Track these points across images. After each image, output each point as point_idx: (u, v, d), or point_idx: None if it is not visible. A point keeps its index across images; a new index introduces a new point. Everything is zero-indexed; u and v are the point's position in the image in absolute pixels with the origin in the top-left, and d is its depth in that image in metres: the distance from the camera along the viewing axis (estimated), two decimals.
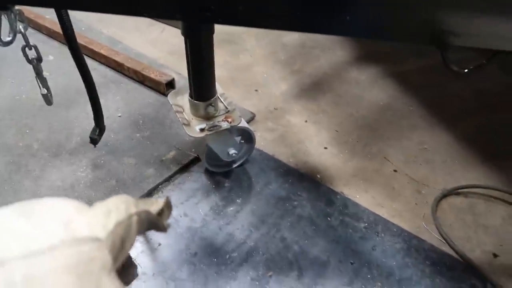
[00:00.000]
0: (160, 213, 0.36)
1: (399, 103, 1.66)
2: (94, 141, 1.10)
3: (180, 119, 1.12)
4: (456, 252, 1.11)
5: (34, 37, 1.91)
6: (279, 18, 0.64)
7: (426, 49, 1.98)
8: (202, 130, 1.10)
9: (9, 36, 0.93)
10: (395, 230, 1.18)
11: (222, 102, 1.18)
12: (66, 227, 0.28)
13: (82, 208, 0.32)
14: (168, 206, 0.37)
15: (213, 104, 1.10)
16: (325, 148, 1.44)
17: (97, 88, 1.65)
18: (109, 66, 1.73)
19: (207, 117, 1.13)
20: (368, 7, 0.65)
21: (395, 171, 1.37)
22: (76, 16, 2.07)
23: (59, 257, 0.26)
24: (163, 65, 1.78)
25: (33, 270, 0.24)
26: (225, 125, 1.11)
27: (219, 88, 1.20)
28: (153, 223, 0.36)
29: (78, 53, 0.97)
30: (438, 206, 1.24)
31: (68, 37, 0.92)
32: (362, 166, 1.38)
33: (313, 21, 0.64)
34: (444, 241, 1.14)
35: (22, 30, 0.96)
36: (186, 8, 0.66)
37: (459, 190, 1.28)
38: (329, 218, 1.20)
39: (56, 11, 0.89)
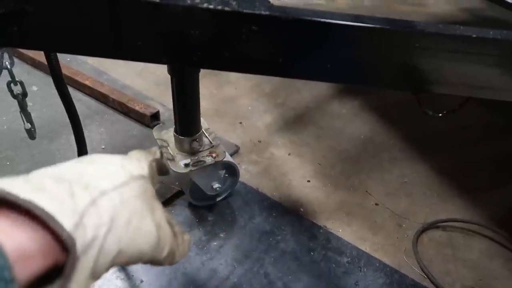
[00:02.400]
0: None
1: (380, 136, 1.70)
2: None
3: (164, 154, 1.12)
4: (437, 287, 1.12)
5: (18, 67, 1.91)
6: (262, 65, 0.66)
7: None
8: (186, 165, 1.11)
9: None
10: (377, 264, 1.19)
11: (207, 137, 1.19)
12: (123, 169, 0.40)
13: (122, 157, 0.43)
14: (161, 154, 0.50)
15: (197, 140, 1.12)
16: (308, 181, 1.46)
17: (81, 119, 1.65)
18: (94, 98, 1.73)
19: (192, 152, 1.14)
20: (347, 56, 0.68)
21: (376, 204, 1.39)
22: None
23: (132, 189, 0.38)
24: (148, 97, 1.79)
25: (123, 197, 0.37)
26: (209, 160, 1.12)
27: (204, 123, 1.22)
28: (162, 165, 0.48)
29: (64, 91, 0.98)
30: (419, 240, 1.26)
31: (55, 76, 0.93)
32: (344, 200, 1.40)
33: (295, 68, 0.67)
34: (425, 275, 1.16)
35: (9, 66, 0.97)
36: (173, 53, 0.69)
37: (438, 224, 1.31)
38: (312, 253, 1.20)
39: (44, 53, 0.90)
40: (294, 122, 1.75)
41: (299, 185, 1.44)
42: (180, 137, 1.11)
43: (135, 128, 1.61)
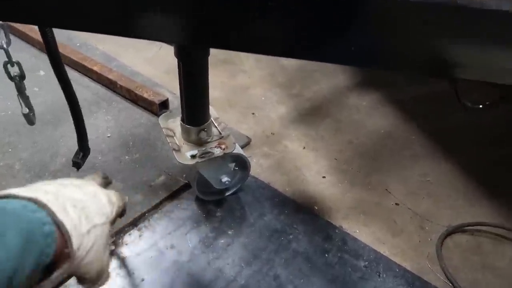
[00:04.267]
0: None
1: (400, 132, 1.60)
2: (77, 165, 1.02)
3: (170, 144, 1.05)
4: None
5: (25, 51, 1.86)
6: (278, 44, 0.58)
7: (426, 77, 1.94)
8: (193, 156, 1.03)
9: None
10: (397, 270, 1.09)
11: (216, 127, 1.11)
12: (105, 211, 0.56)
13: (107, 198, 0.59)
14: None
15: (206, 129, 1.04)
16: (324, 177, 1.37)
17: (88, 106, 1.59)
18: (101, 84, 1.67)
19: (199, 143, 1.06)
20: (373, 37, 0.59)
21: (396, 204, 1.29)
22: (72, 31, 2.02)
23: (104, 229, 0.54)
24: (158, 84, 1.72)
25: (100, 233, 0.52)
26: (217, 152, 1.04)
27: (213, 112, 1.13)
28: (123, 210, 0.66)
29: (62, 72, 0.91)
30: (443, 244, 1.16)
31: (52, 56, 0.86)
32: (362, 198, 1.30)
33: (316, 49, 0.58)
34: (450, 283, 1.06)
35: (5, 46, 0.90)
36: (179, 31, 0.60)
37: (465, 228, 1.21)
38: (326, 255, 1.12)
39: (39, 29, 0.83)
40: (310, 114, 1.66)
41: (313, 181, 1.35)
42: (187, 126, 1.03)
43: (143, 116, 1.54)
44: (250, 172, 1.26)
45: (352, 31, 0.57)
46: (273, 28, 0.58)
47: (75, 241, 0.46)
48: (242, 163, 1.20)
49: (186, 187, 1.26)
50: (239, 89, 1.78)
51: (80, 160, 1.01)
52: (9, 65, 0.93)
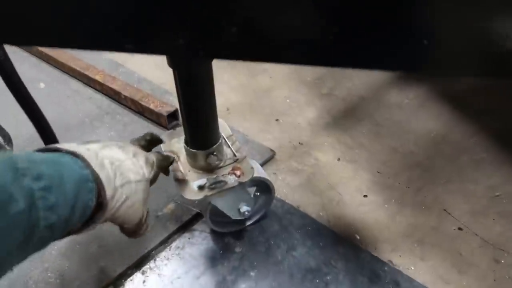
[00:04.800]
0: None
1: (456, 134, 1.32)
2: None
3: (172, 173, 0.84)
4: None
5: (26, 61, 1.72)
6: (300, 50, 0.35)
7: None
8: (201, 188, 0.82)
9: None
10: None
11: (230, 147, 0.89)
12: (143, 170, 0.62)
13: (146, 158, 0.65)
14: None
15: (215, 153, 0.82)
16: (365, 196, 1.13)
17: (90, 121, 1.41)
18: (105, 94, 1.49)
19: (209, 169, 0.85)
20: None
21: (460, 229, 1.04)
22: None
23: (141, 185, 0.60)
24: (168, 92, 1.52)
25: (136, 188, 0.58)
26: (231, 180, 0.83)
27: (225, 128, 0.92)
28: (166, 169, 0.75)
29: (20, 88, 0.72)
30: None
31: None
32: (414, 222, 1.05)
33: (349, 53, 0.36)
34: None
35: None
36: (171, 45, 0.40)
37: None
38: None
39: None
40: (344, 117, 1.41)
41: (353, 202, 1.11)
42: (192, 150, 0.81)
43: (150, 130, 1.34)
44: (276, 194, 1.04)
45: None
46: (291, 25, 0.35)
47: (108, 193, 0.52)
48: (264, 187, 0.98)
49: (199, 215, 1.06)
50: (260, 91, 1.56)
51: None
52: None
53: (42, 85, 1.58)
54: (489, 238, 1.01)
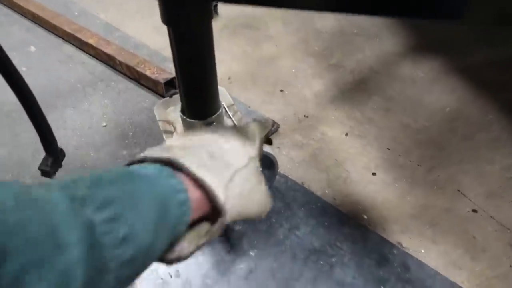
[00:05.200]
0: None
1: (472, 110, 1.24)
2: (46, 174, 0.77)
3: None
4: None
5: (18, 23, 1.62)
6: None
7: (500, 36, 1.54)
8: None
9: None
10: None
11: (231, 117, 0.82)
12: (245, 149, 0.48)
13: (243, 135, 0.51)
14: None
15: (215, 123, 0.75)
16: (374, 174, 1.06)
17: (82, 88, 1.33)
18: (99, 60, 1.40)
19: None
20: None
21: (474, 211, 0.97)
22: None
23: (250, 168, 0.46)
24: (167, 59, 1.43)
25: (246, 175, 0.45)
26: None
27: (226, 96, 0.84)
28: (268, 139, 0.59)
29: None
30: None
31: None
32: (426, 203, 0.99)
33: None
34: None
35: None
36: None
37: None
38: (382, 287, 0.83)
39: None
40: (354, 90, 1.33)
41: (361, 179, 1.04)
42: (189, 120, 0.74)
43: (146, 98, 1.26)
44: (279, 170, 0.97)
45: None
46: None
47: (221, 195, 0.41)
48: (267, 161, 0.91)
49: None
50: (264, 60, 1.47)
51: (49, 168, 0.75)
52: None
53: (32, 48, 1.48)
54: (506, 222, 0.94)
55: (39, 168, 0.76)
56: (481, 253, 0.89)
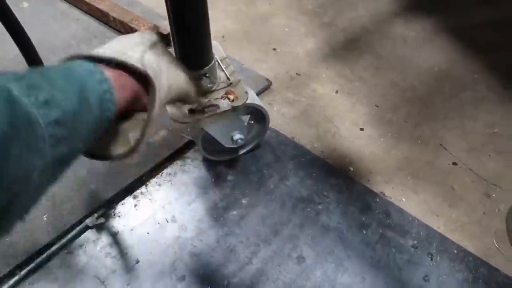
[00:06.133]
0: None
1: (459, 69, 1.27)
2: None
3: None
4: None
5: None
6: None
7: None
8: (192, 111, 0.78)
9: None
10: (455, 251, 0.86)
11: (223, 71, 0.84)
12: (143, 38, 0.52)
13: (136, 33, 0.54)
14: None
15: (208, 74, 0.77)
16: (361, 129, 1.10)
17: (77, 44, 1.34)
18: (93, 16, 1.40)
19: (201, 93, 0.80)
20: None
21: (454, 164, 1.03)
22: None
23: (159, 47, 0.52)
24: (161, 16, 1.43)
25: (158, 52, 0.52)
26: (224, 104, 0.79)
27: (219, 50, 0.86)
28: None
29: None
30: None
31: None
32: (410, 156, 1.04)
33: None
34: None
35: None
36: None
37: None
38: (364, 231, 0.89)
39: None
40: (345, 48, 1.35)
41: (349, 135, 1.09)
42: None
43: None
44: (270, 125, 1.01)
45: None
46: None
47: (139, 65, 0.45)
48: (259, 115, 0.95)
49: (192, 143, 1.04)
50: (257, 18, 1.47)
51: None
52: None
53: (25, 4, 1.47)
54: (483, 174, 1.00)
55: None
56: (458, 201, 0.95)
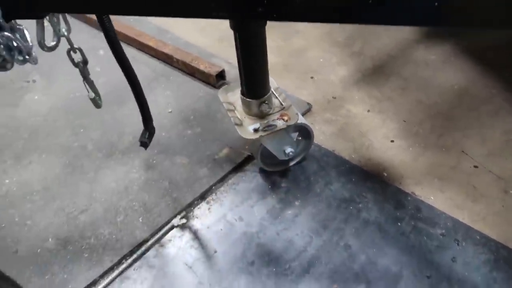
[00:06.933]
0: None
1: (477, 86, 1.45)
2: (144, 144, 1.05)
3: (232, 119, 1.03)
4: None
5: (85, 31, 1.92)
6: (347, 11, 0.52)
7: None
8: (256, 130, 1.01)
9: (53, 41, 0.89)
10: (478, 237, 1.02)
11: (277, 98, 1.07)
12: None
13: None
14: None
15: (267, 102, 1.01)
16: (392, 141, 1.29)
17: (147, 83, 1.63)
18: (158, 59, 1.68)
19: (261, 116, 1.03)
20: None
21: (475, 167, 1.19)
22: None
23: None
24: (213, 55, 1.70)
25: None
26: (280, 124, 1.01)
27: (273, 82, 1.09)
28: None
29: (123, 58, 0.91)
30: None
31: (110, 40, 0.86)
32: (436, 162, 1.22)
33: (393, 12, 0.52)
34: None
35: (65, 34, 0.91)
36: (233, 5, 0.56)
37: None
38: (399, 224, 1.07)
39: (96, 17, 0.83)
40: (373, 73, 1.56)
41: (381, 146, 1.28)
42: (248, 99, 1.00)
43: (201, 89, 1.54)
44: (313, 141, 1.22)
45: None
46: None
47: None
48: (305, 133, 1.17)
49: (250, 159, 1.26)
50: (295, 52, 1.71)
51: (146, 140, 1.03)
52: (71, 52, 0.95)
53: (101, 52, 1.78)
54: (501, 174, 1.16)
55: (139, 140, 1.04)
56: (480, 197, 1.11)
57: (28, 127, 1.43)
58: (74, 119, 1.47)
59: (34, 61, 0.78)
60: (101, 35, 1.91)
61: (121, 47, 0.91)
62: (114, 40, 0.88)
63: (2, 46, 0.63)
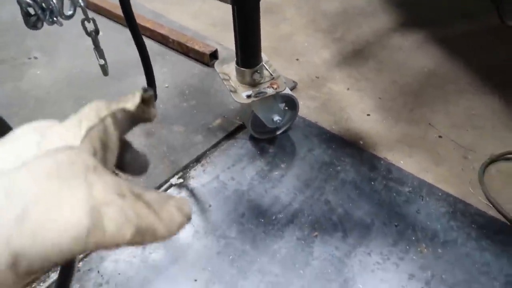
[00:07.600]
0: (143, 104, 0.33)
1: (445, 69, 1.61)
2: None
3: (227, 87, 1.16)
4: (504, 216, 1.10)
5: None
6: None
7: (472, 12, 1.90)
8: (248, 96, 1.14)
9: (70, 10, 1.00)
10: (440, 194, 1.18)
11: (267, 69, 1.20)
12: (38, 144, 0.27)
13: (53, 124, 0.30)
14: (148, 96, 0.33)
15: (258, 71, 1.14)
16: (368, 115, 1.44)
17: None
18: (154, 40, 1.79)
19: (253, 84, 1.16)
20: None
21: (440, 137, 1.35)
22: None
23: (35, 168, 0.24)
24: (206, 37, 1.82)
25: (10, 185, 0.23)
26: (270, 91, 1.15)
27: (264, 56, 1.22)
28: (135, 118, 0.33)
29: (137, 30, 1.04)
30: (486, 171, 1.22)
31: (128, 17, 0.98)
32: (406, 132, 1.37)
33: None
34: (491, 205, 1.14)
35: (82, 4, 1.02)
36: None
37: (508, 156, 1.25)
38: (372, 183, 1.22)
39: None
40: (353, 56, 1.71)
41: (358, 119, 1.43)
42: (242, 68, 1.13)
43: (196, 67, 1.65)
44: (298, 113, 1.36)
45: None
46: None
47: None
48: (291, 103, 1.30)
49: (241, 128, 1.39)
50: (283, 37, 1.85)
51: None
52: (86, 22, 1.05)
53: (100, 33, 1.87)
54: (462, 143, 1.32)
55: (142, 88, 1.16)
56: (443, 162, 1.27)
57: (32, 97, 1.53)
58: (76, 91, 1.57)
59: (60, 24, 0.89)
60: (98, 17, 2.00)
61: (136, 23, 1.03)
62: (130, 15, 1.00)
63: (38, 6, 0.74)
